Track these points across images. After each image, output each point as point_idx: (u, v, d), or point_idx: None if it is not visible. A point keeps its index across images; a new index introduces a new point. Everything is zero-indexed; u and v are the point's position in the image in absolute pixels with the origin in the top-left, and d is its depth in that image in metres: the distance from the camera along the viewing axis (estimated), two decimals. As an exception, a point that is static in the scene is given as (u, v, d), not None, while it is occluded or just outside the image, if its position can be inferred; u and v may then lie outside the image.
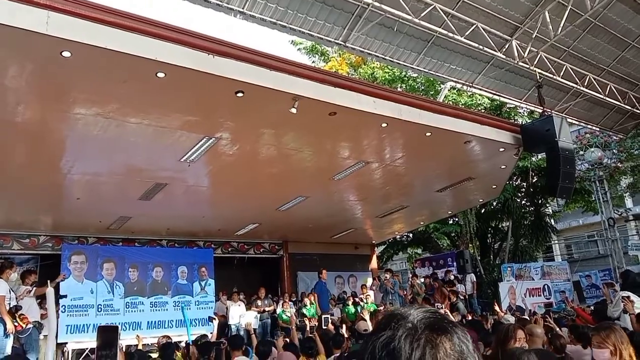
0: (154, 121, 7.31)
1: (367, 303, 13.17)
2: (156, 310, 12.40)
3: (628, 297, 6.41)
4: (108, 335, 6.30)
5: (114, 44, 5.50)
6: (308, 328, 9.52)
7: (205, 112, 7.27)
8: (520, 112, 19.30)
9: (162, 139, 7.86)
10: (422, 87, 20.56)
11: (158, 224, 12.74)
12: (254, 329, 11.56)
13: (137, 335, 7.68)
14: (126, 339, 10.28)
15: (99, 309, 11.79)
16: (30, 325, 7.30)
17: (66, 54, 5.49)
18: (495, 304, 9.67)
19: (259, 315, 12.37)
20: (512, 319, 7.13)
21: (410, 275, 15.46)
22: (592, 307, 9.09)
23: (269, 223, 13.75)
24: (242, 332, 11.70)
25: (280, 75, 6.78)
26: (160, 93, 6.63)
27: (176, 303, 12.62)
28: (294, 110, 7.12)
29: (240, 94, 6.73)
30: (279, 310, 12.69)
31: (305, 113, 7.36)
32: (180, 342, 9.65)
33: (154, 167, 9.00)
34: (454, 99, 18.45)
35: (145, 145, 8.10)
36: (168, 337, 5.84)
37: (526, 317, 8.05)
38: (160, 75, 6.11)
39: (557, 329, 6.31)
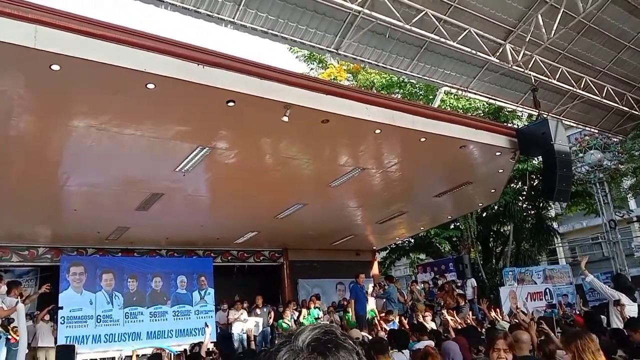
0: (146, 132, 7.33)
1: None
2: (155, 320, 12.38)
3: (619, 300, 6.37)
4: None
5: (102, 57, 5.53)
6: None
7: (197, 122, 7.30)
8: (519, 115, 19.26)
9: (155, 150, 7.89)
10: (421, 92, 20.60)
11: (157, 233, 12.76)
12: (255, 336, 11.63)
13: (133, 351, 7.66)
14: (126, 350, 10.28)
15: (98, 320, 11.77)
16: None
17: (55, 67, 5.52)
18: (485, 307, 9.60)
19: (260, 322, 12.36)
20: (507, 325, 7.08)
21: (410, 282, 15.42)
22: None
23: (268, 231, 13.75)
24: (244, 341, 11.75)
25: (270, 84, 6.80)
26: (151, 104, 6.66)
27: (176, 313, 12.61)
28: (285, 119, 7.13)
29: (231, 104, 6.74)
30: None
31: (298, 121, 7.37)
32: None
33: (150, 177, 9.03)
34: (452, 104, 18.46)
35: (140, 156, 8.13)
36: (161, 349, 5.80)
37: (523, 321, 7.98)
38: (150, 86, 6.14)
39: (552, 334, 6.26)
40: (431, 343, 6.52)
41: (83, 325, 11.57)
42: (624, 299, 6.52)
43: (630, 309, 6.41)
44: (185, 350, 10.12)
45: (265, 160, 9.25)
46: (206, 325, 9.32)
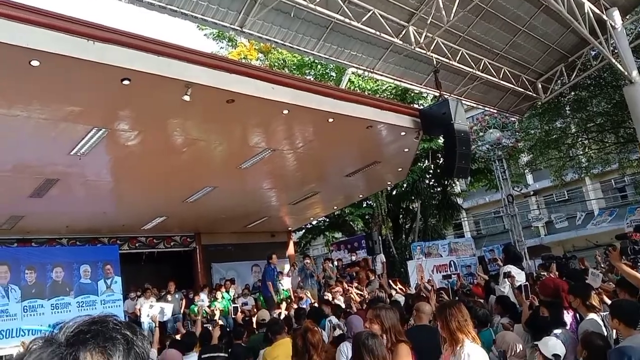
0: (34, 113, 6.83)
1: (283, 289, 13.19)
2: (58, 312, 11.71)
3: (509, 272, 6.84)
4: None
5: (-25, 30, 5.06)
6: (217, 318, 9.39)
7: (91, 101, 6.88)
8: (424, 96, 19.96)
9: (46, 132, 7.40)
10: (333, 74, 20.76)
11: (55, 221, 12.02)
12: (160, 322, 11.32)
13: (22, 342, 7.22)
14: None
15: (-7, 316, 10.99)
16: None
17: None
18: (384, 282, 10.08)
19: (167, 308, 12.05)
20: (402, 298, 7.38)
21: (323, 260, 15.72)
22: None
23: (177, 215, 13.40)
24: (154, 329, 11.40)
25: (168, 61, 6.54)
26: (37, 83, 6.19)
27: (80, 303, 12.03)
28: (187, 98, 6.91)
29: (126, 82, 6.42)
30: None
31: (201, 101, 7.19)
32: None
33: (42, 162, 8.45)
34: (360, 85, 18.78)
35: (29, 139, 7.58)
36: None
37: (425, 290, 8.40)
38: (35, 63, 5.70)
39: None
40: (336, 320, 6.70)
41: (-25, 322, 10.74)
42: (513, 270, 7.01)
43: (519, 278, 6.91)
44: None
45: (170, 141, 8.93)
46: None
